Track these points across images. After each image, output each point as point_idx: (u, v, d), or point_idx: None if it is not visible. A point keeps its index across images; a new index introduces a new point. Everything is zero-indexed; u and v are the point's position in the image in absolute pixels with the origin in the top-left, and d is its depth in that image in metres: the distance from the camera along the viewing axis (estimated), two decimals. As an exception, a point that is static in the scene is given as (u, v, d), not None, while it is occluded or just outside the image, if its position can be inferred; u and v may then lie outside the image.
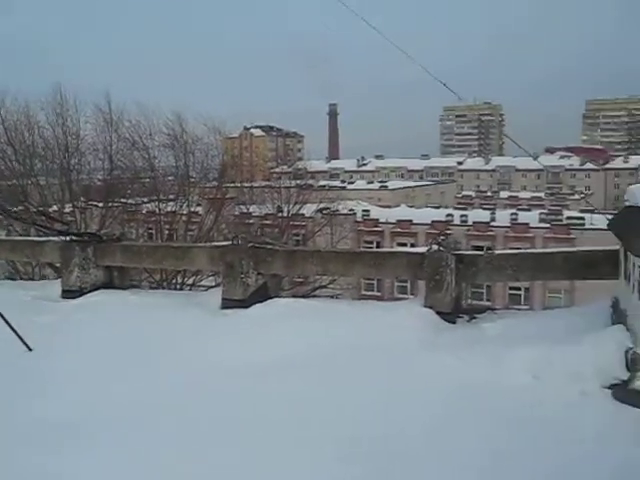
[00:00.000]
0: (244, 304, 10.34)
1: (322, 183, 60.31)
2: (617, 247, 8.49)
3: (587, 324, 8.30)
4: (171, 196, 34.81)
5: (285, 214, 42.31)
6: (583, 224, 57.23)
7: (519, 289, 53.11)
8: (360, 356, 7.92)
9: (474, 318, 9.75)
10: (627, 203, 8.07)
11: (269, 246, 11.15)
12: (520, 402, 6.92)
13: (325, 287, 30.64)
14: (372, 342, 8.31)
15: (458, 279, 9.70)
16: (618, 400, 7.01)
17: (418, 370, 7.57)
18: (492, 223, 64.78)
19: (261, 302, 10.29)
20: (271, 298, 10.57)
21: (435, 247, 9.77)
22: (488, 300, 48.38)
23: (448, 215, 67.69)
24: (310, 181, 52.27)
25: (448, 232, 58.54)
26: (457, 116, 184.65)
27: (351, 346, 8.19)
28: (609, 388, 7.15)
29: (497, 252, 10.89)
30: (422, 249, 10.34)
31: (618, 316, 8.09)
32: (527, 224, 62.98)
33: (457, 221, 66.12)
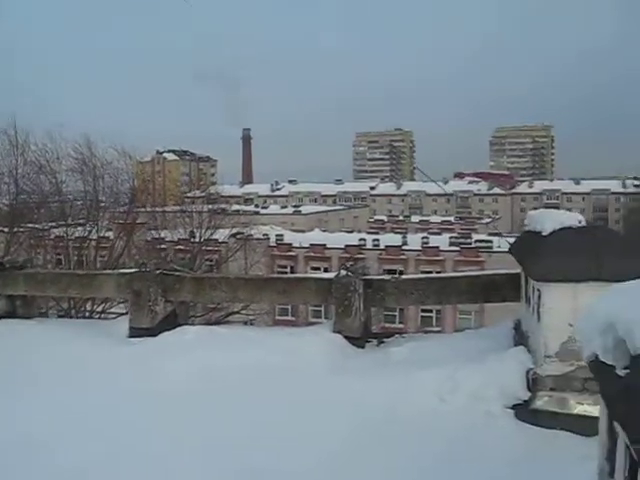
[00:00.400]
0: (152, 332, 10.14)
1: (236, 208, 59.82)
2: (519, 271, 8.73)
3: (491, 346, 8.49)
4: (80, 221, 33.96)
5: (198, 239, 41.78)
6: (491, 247, 58.57)
7: (431, 311, 53.73)
8: (266, 383, 7.89)
9: (382, 342, 9.85)
10: (526, 228, 8.34)
11: (177, 273, 11.02)
12: (426, 424, 7.01)
13: (239, 313, 30.36)
14: (279, 369, 8.28)
15: (366, 304, 9.80)
16: (520, 419, 7.20)
17: (325, 396, 7.59)
18: (404, 247, 65.57)
19: (169, 330, 10.12)
20: (180, 326, 10.41)
21: (343, 273, 9.85)
22: (401, 323, 48.92)
23: (361, 239, 68.22)
24: (223, 206, 51.77)
25: (361, 256, 59.16)
26: (369, 142, 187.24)
27: (258, 374, 8.14)
28: (512, 408, 7.34)
29: (404, 277, 11.07)
30: (331, 275, 10.41)
31: (520, 337, 8.32)
32: (438, 247, 64.02)
33: (370, 245, 66.70)
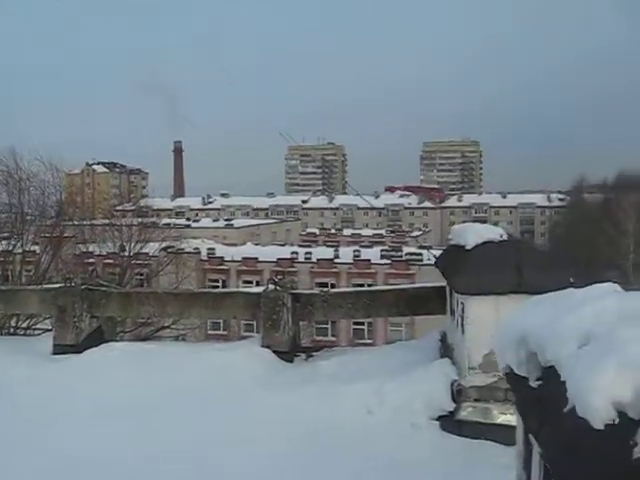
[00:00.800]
0: (77, 349, 9.93)
1: (167, 221, 59.16)
2: (444, 284, 8.88)
3: (417, 358, 8.60)
4: (4, 234, 33.11)
5: (128, 253, 41.15)
6: (421, 260, 59.32)
7: (362, 324, 54.02)
8: (192, 400, 7.81)
9: (311, 356, 9.86)
10: (451, 242, 8.50)
11: (104, 288, 10.84)
12: (353, 437, 7.05)
13: (169, 327, 29.98)
14: (206, 384, 8.22)
15: (295, 318, 9.80)
16: (445, 430, 7.31)
17: (252, 410, 7.57)
18: (336, 260, 65.82)
19: (95, 347, 9.93)
20: (106, 342, 10.23)
21: (271, 287, 9.84)
22: (333, 336, 49.01)
23: (293, 252, 68.20)
24: (154, 219, 51.15)
25: (293, 270, 59.20)
26: (302, 155, 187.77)
27: (183, 390, 8.06)
28: (437, 419, 7.45)
29: (333, 291, 11.13)
30: (259, 289, 10.39)
31: (446, 350, 8.46)
32: (369, 260, 64.45)
33: (302, 258, 66.71)
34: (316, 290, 10.57)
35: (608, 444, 2.06)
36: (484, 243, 7.30)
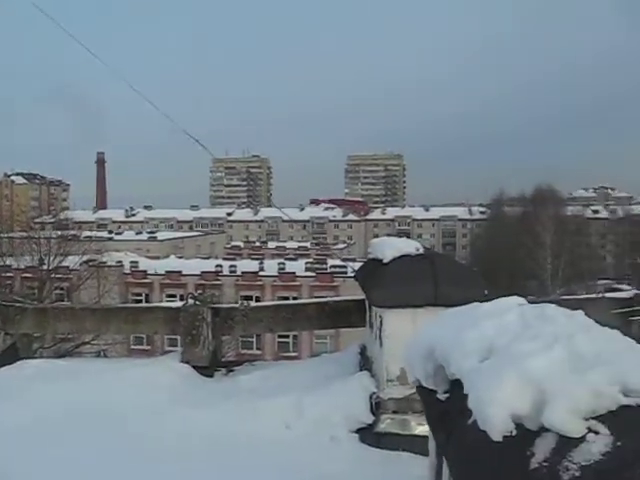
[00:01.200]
0: (-12, 367, 9.62)
1: (88, 234, 57.98)
2: (364, 297, 8.95)
3: (338, 371, 8.63)
4: None
5: (47, 267, 40.24)
6: (345, 272, 59.66)
7: (287, 337, 54.05)
8: (107, 418, 7.62)
9: (232, 371, 9.78)
10: (370, 256, 8.58)
11: (18, 304, 10.54)
12: (272, 452, 7.01)
13: (90, 343, 29.40)
14: (122, 401, 8.05)
15: (215, 332, 9.72)
16: (365, 443, 7.34)
17: (170, 427, 7.44)
18: (261, 273, 65.73)
19: (9, 364, 9.62)
20: (21, 359, 9.93)
21: (191, 301, 9.74)
22: (258, 349, 48.90)
23: (218, 266, 67.73)
24: (75, 232, 50.18)
25: (218, 283, 58.77)
26: (226, 168, 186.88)
27: (98, 408, 7.87)
28: (356, 432, 7.48)
29: (253, 304, 11.08)
30: (179, 304, 10.28)
31: (365, 362, 8.52)
32: (294, 273, 64.59)
33: (226, 271, 66.32)
34: (236, 304, 10.48)
35: (507, 455, 2.10)
36: (401, 257, 7.39)
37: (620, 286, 11.66)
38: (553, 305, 2.84)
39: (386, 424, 7.31)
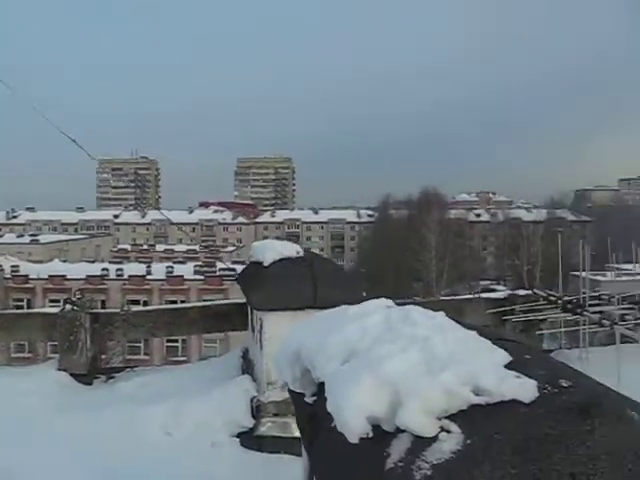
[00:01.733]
0: None
1: (-35, 237, 55.46)
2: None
3: (220, 375, 8.57)
4: None
5: None
6: (234, 275, 59.23)
7: (176, 341, 53.22)
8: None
9: (112, 378, 9.55)
10: (251, 259, 8.55)
11: None
12: (151, 459, 6.88)
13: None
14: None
15: (94, 339, 9.46)
16: (246, 447, 7.31)
17: (45, 437, 7.19)
18: (148, 276, 64.48)
19: None
20: None
21: (68, 307, 9.45)
22: (146, 354, 47.91)
23: (104, 269, 65.99)
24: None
25: (103, 287, 57.33)
26: (113, 169, 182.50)
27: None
28: (237, 436, 7.44)
29: (134, 309, 10.83)
30: (56, 309, 9.95)
31: (247, 366, 8.49)
32: (182, 277, 63.73)
33: (113, 275, 64.70)
34: (116, 309, 10.23)
35: (364, 457, 2.11)
36: (281, 260, 7.40)
37: (496, 287, 12.08)
38: (416, 307, 2.88)
39: (267, 427, 7.31)
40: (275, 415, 7.30)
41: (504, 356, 2.28)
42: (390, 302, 3.19)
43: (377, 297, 3.29)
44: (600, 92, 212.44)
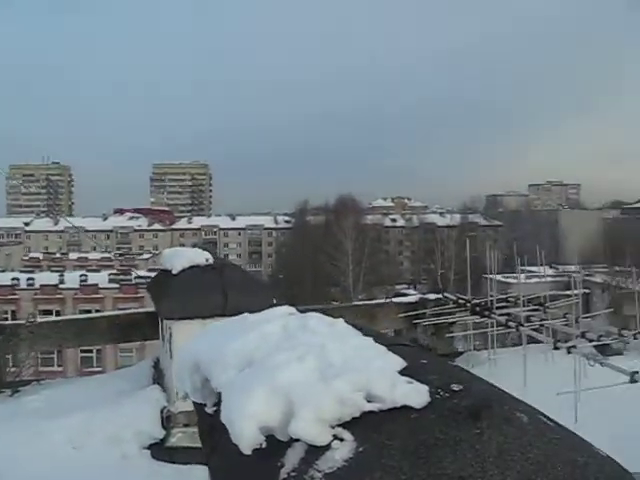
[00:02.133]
0: None
1: None
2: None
3: (130, 386, 8.41)
4: None
5: None
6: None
7: (91, 351, 52.13)
8: None
9: (17, 391, 9.25)
10: (161, 267, 8.42)
11: None
12: (61, 475, 6.70)
13: None
14: None
15: (-1, 351, 9.16)
16: (156, 458, 7.19)
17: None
18: (61, 285, 63.03)
19: None
20: None
21: (-30, 319, 9.12)
22: (60, 365, 46.72)
23: (14, 279, 64.17)
24: None
25: (14, 297, 55.64)
26: (24, 175, 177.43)
27: None
28: (148, 448, 7.31)
29: (40, 320, 10.53)
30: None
31: (158, 376, 8.35)
32: (97, 285, 62.60)
33: (24, 285, 62.97)
34: (22, 320, 9.92)
35: (258, 468, 2.09)
36: (190, 267, 7.31)
37: (407, 291, 12.26)
38: (316, 314, 2.88)
39: (177, 438, 7.20)
40: (186, 425, 7.21)
41: (398, 362, 2.29)
42: (293, 309, 3.17)
43: (292, 304, 3.28)
44: (510, 100, 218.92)
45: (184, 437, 7.17)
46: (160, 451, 7.19)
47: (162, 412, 7.37)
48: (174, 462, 7.04)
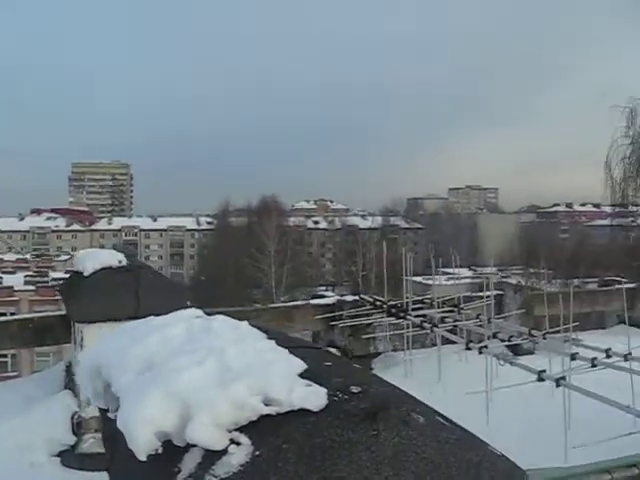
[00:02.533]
0: None
1: None
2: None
3: (41, 391, 8.20)
4: None
5: None
6: (66, 285, 57.22)
7: (6, 356, 50.55)
8: None
9: None
10: (73, 268, 8.25)
11: None
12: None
13: None
14: None
15: None
16: (66, 466, 7.01)
17: None
18: (-26, 289, 61.20)
19: None
20: None
21: None
22: (-28, 370, 45.20)
23: None
24: None
25: None
26: None
27: None
28: (58, 455, 7.12)
29: (-56, 324, 10.17)
30: None
31: (70, 380, 8.16)
32: (12, 287, 60.99)
33: None
34: None
35: (155, 474, 2.06)
36: (102, 269, 7.18)
37: (325, 292, 12.33)
38: (221, 317, 2.86)
39: (89, 444, 7.04)
40: (97, 431, 7.05)
41: (300, 365, 2.29)
42: (200, 312, 3.14)
43: (213, 306, 3.24)
44: (434, 104, 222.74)
45: (95, 443, 7.01)
46: (70, 458, 7.01)
47: (73, 418, 7.19)
48: (85, 469, 6.88)
